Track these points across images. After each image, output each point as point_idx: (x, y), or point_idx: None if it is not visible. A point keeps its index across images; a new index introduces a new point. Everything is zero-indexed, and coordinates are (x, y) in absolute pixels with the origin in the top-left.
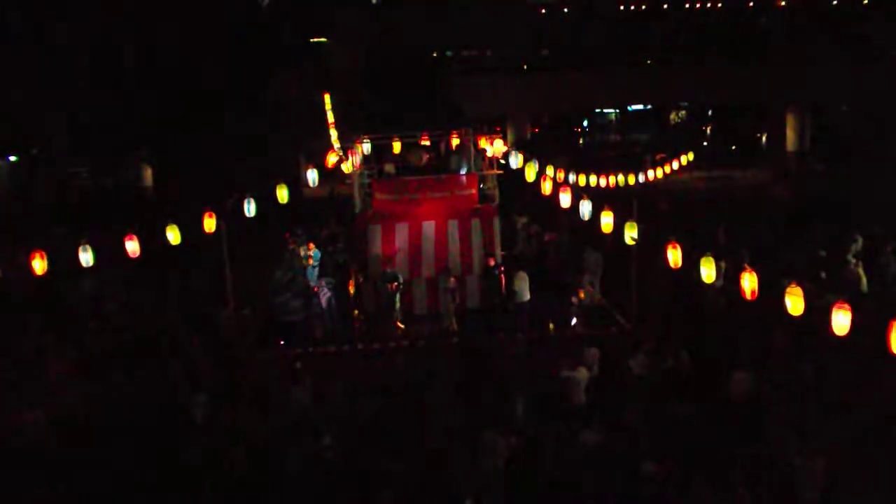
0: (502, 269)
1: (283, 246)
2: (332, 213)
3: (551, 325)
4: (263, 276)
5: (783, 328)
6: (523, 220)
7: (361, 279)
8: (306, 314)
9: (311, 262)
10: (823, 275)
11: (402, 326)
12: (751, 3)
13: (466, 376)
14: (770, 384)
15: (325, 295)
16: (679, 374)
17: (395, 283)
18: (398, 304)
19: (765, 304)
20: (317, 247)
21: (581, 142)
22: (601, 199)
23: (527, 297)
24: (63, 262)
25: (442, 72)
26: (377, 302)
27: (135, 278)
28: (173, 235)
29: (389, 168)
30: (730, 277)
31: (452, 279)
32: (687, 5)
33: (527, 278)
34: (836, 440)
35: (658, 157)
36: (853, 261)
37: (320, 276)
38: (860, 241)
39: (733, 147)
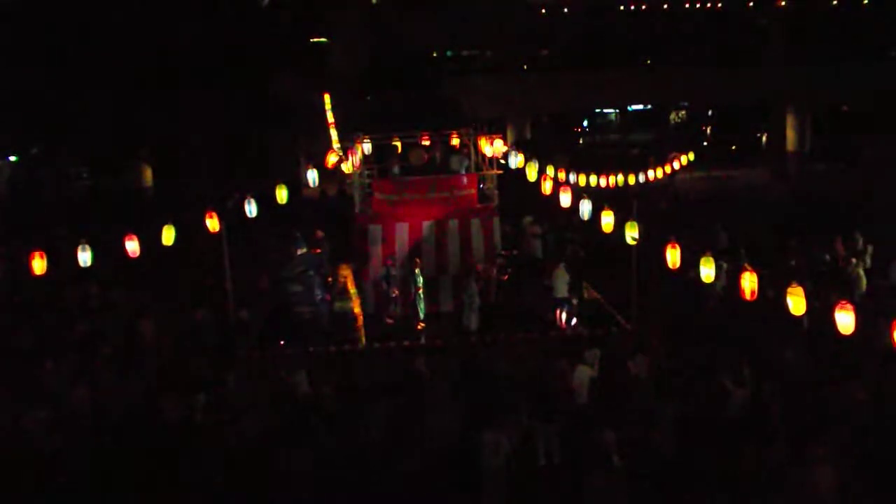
0: (499, 267)
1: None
2: (322, 215)
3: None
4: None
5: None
6: (528, 219)
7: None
8: (314, 309)
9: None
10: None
11: (423, 325)
12: (750, 3)
13: (469, 375)
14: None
15: (319, 292)
16: (674, 375)
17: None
18: (423, 305)
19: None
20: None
21: (581, 142)
22: (601, 198)
23: (564, 293)
24: (63, 262)
25: (442, 72)
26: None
27: (135, 279)
28: (170, 235)
29: (396, 169)
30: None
31: (476, 280)
32: (687, 5)
33: (566, 276)
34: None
35: (671, 154)
36: (853, 261)
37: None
38: (861, 241)
39: (733, 147)
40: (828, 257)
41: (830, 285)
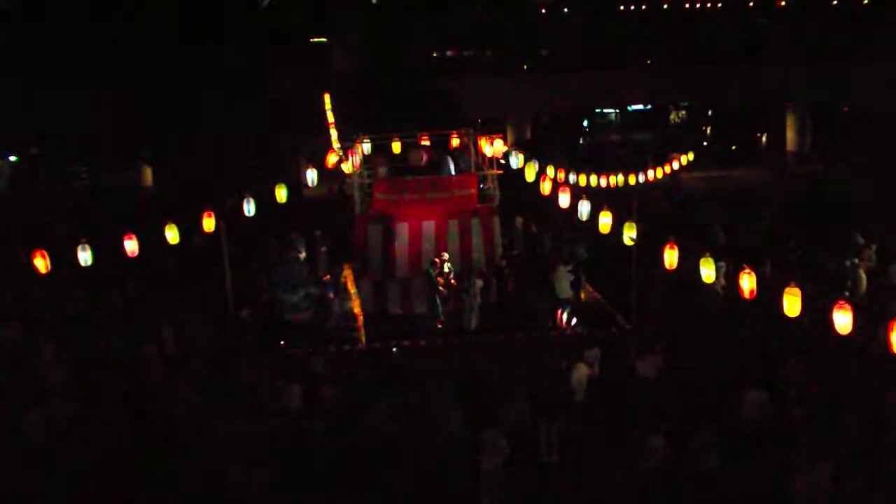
0: (503, 266)
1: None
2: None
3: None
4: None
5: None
6: (520, 219)
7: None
8: (317, 310)
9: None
10: (849, 283)
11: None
12: (751, 3)
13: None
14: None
15: (328, 292)
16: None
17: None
18: (440, 304)
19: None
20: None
21: (581, 142)
22: (601, 198)
23: (568, 293)
24: (63, 262)
25: (442, 72)
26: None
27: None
28: (172, 235)
29: (382, 171)
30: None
31: (479, 280)
32: (687, 5)
33: (569, 276)
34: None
35: (671, 154)
36: (856, 261)
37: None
38: (862, 241)
39: (733, 147)
40: (848, 263)
41: (830, 285)
